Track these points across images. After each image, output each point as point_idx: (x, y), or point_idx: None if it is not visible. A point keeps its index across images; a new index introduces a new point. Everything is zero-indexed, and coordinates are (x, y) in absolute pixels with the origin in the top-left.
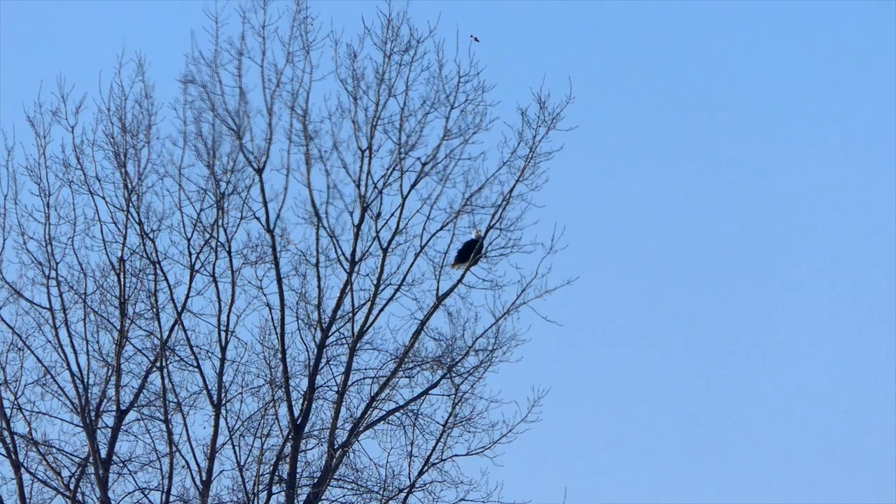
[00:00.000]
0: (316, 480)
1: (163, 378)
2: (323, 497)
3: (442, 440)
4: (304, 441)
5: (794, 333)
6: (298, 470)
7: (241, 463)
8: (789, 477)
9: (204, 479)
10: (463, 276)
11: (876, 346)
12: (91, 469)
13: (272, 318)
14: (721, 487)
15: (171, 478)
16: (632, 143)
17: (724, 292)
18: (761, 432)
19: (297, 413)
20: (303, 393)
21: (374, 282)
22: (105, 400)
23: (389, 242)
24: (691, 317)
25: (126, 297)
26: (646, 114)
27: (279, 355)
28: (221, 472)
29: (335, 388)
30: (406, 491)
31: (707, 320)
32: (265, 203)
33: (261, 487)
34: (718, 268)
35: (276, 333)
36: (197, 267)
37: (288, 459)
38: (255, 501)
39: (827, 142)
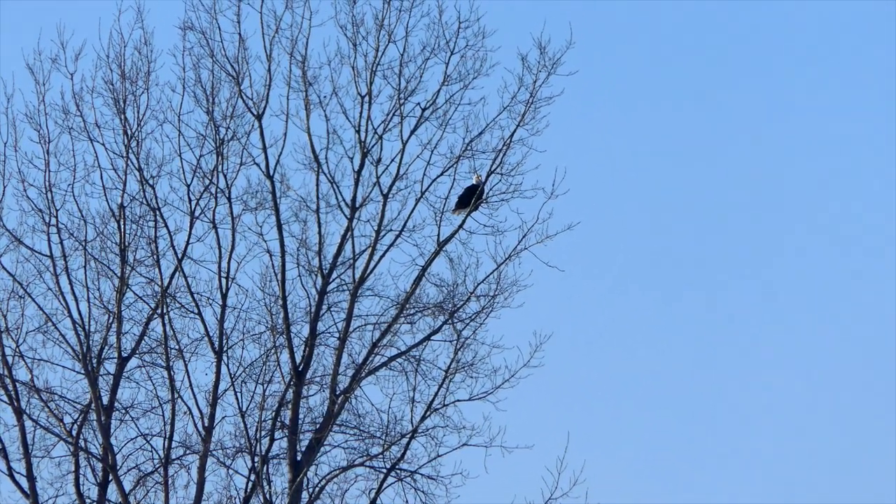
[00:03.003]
0: (318, 426)
1: (164, 325)
2: (325, 443)
3: (444, 386)
4: (305, 387)
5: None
6: (300, 416)
7: (244, 409)
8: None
9: (206, 425)
10: (464, 221)
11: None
12: (93, 416)
13: (273, 265)
14: (723, 428)
15: (173, 424)
16: (632, 87)
17: (727, 235)
18: (766, 373)
19: (298, 359)
20: (304, 339)
21: (375, 227)
22: (106, 347)
23: (390, 188)
24: (693, 260)
25: (126, 243)
26: (646, 57)
27: (280, 302)
28: (224, 418)
29: (337, 335)
30: (409, 436)
31: (710, 263)
32: (265, 149)
33: (263, 433)
34: (721, 210)
35: (277, 280)
36: (197, 213)
37: (290, 405)
38: (258, 447)
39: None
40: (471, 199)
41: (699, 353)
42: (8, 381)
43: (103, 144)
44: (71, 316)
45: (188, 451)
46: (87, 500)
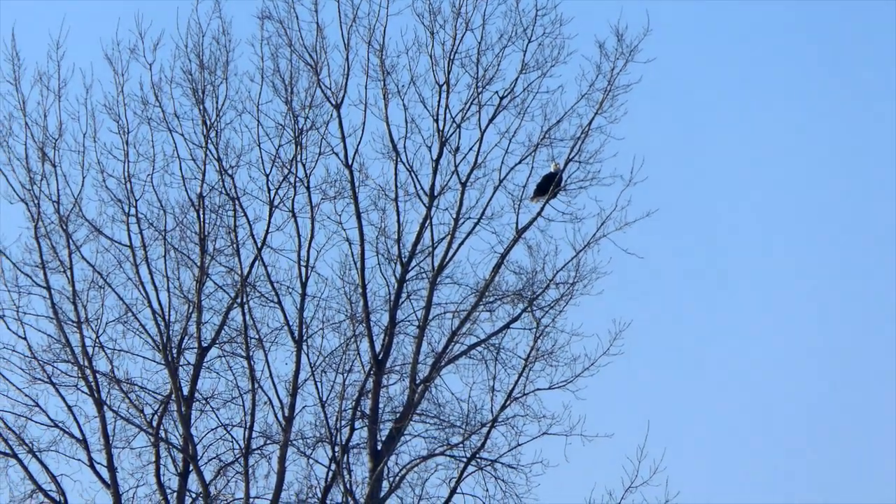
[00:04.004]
0: (398, 415)
1: (244, 314)
2: (405, 432)
3: (524, 374)
4: (385, 376)
5: None
6: (380, 405)
7: (324, 399)
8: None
9: (286, 414)
10: (542, 209)
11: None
12: (173, 406)
13: (352, 253)
14: (805, 416)
15: (253, 414)
16: (710, 73)
17: (807, 219)
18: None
19: (378, 348)
20: (384, 328)
21: (454, 216)
22: (186, 337)
23: (468, 176)
24: (772, 246)
25: (206, 233)
26: (724, 44)
27: (359, 290)
28: (304, 407)
29: (416, 323)
30: (489, 425)
31: (785, 249)
32: (343, 138)
33: (343, 423)
34: (798, 199)
35: (356, 268)
36: (276, 203)
37: (370, 395)
38: (338, 437)
39: None
40: (549, 186)
41: (779, 341)
42: (88, 371)
43: (182, 135)
44: (151, 306)
45: (268, 441)
46: (168, 491)
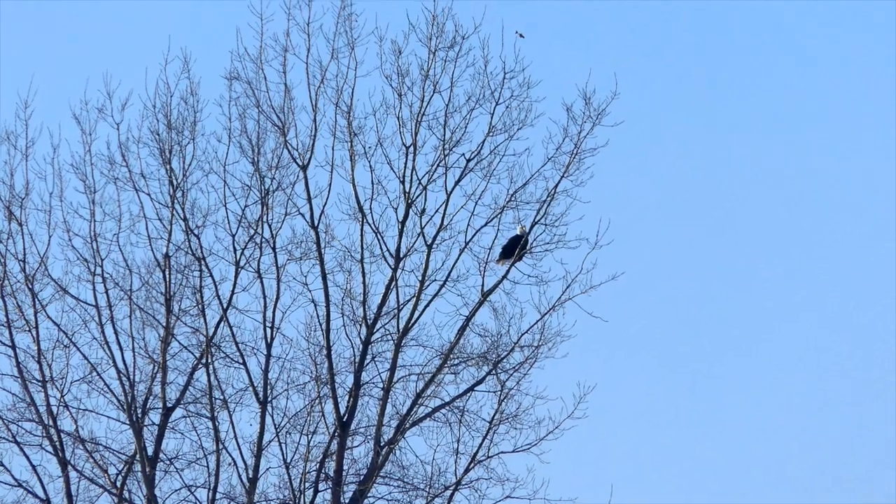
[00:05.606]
0: (362, 478)
1: (208, 375)
2: (369, 494)
3: (488, 437)
4: (350, 438)
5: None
6: (345, 467)
7: (288, 460)
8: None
9: (250, 476)
10: (508, 271)
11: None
12: (138, 467)
13: (317, 315)
14: (777, 477)
15: (217, 475)
16: (677, 138)
17: (771, 286)
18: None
19: (343, 410)
20: (348, 390)
21: (419, 278)
22: (151, 397)
23: (434, 238)
24: (739, 311)
25: (171, 293)
26: (691, 108)
27: (325, 352)
28: (268, 469)
29: (381, 385)
30: (452, 488)
31: (754, 313)
32: (309, 199)
33: (307, 485)
34: (764, 261)
35: (322, 330)
36: (242, 263)
37: (334, 457)
38: (302, 499)
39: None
40: (515, 249)
41: (747, 402)
42: (53, 431)
43: (149, 194)
44: (116, 366)
45: (232, 503)
46: None
